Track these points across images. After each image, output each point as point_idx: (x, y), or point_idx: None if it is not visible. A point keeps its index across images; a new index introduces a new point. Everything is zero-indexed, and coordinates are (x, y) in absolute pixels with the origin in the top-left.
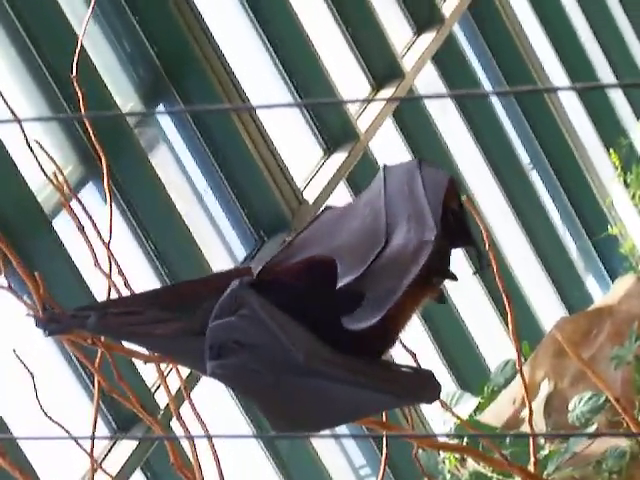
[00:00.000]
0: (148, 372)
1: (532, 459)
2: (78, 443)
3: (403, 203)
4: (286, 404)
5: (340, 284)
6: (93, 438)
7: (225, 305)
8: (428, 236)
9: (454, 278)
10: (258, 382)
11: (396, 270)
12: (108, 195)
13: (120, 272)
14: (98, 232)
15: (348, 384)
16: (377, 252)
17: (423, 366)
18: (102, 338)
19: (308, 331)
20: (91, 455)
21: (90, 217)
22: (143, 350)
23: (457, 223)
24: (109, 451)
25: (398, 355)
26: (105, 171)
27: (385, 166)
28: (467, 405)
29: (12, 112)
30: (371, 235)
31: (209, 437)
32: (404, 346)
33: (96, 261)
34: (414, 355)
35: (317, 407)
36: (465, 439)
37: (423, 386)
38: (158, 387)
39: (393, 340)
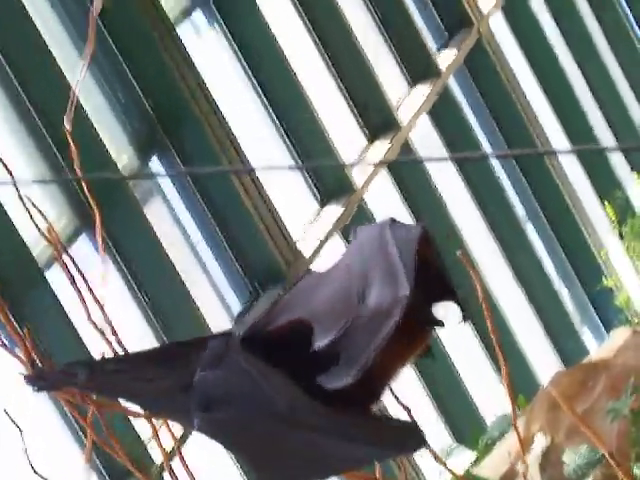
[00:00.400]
0: (143, 427)
1: None
2: None
3: (376, 263)
4: (272, 457)
5: (316, 346)
6: None
7: (211, 357)
8: (402, 292)
9: (440, 324)
10: (244, 435)
11: (370, 329)
12: (101, 247)
13: (113, 329)
14: (89, 287)
15: (331, 435)
16: (352, 314)
17: (418, 419)
18: (92, 395)
19: (291, 382)
20: None
21: (81, 272)
22: (133, 406)
23: (437, 275)
24: None
25: (392, 409)
26: (98, 222)
27: (356, 228)
28: (462, 458)
29: (9, 172)
30: (345, 298)
31: None
32: (398, 400)
33: (89, 316)
34: (408, 409)
35: (303, 460)
36: None
37: (407, 437)
38: (151, 441)
39: (379, 395)
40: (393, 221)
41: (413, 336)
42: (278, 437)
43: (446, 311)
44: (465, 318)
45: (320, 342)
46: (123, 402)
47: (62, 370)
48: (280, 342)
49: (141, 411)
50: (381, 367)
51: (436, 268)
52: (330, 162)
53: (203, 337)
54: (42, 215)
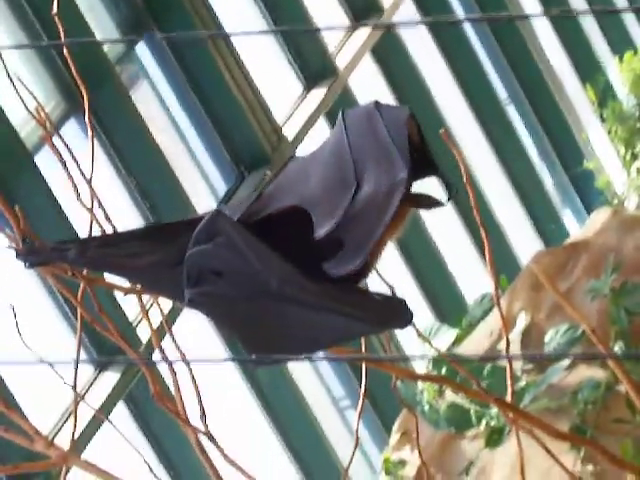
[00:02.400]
0: (131, 308)
1: (509, 388)
2: (56, 371)
3: (368, 146)
4: (261, 331)
5: (317, 234)
6: (77, 366)
7: (202, 233)
8: (400, 176)
9: (438, 204)
10: (233, 309)
11: (372, 213)
12: (89, 128)
13: (101, 206)
14: (79, 167)
15: (320, 310)
16: (350, 198)
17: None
18: (83, 271)
19: (282, 258)
20: (74, 386)
21: (71, 152)
22: (124, 282)
23: (421, 155)
24: (92, 383)
25: (376, 287)
26: (86, 104)
27: (343, 111)
28: (445, 337)
29: None
30: (341, 182)
31: (187, 363)
32: (382, 279)
33: (78, 196)
34: (392, 288)
35: (292, 334)
36: (443, 370)
37: (395, 312)
38: (140, 321)
39: (369, 271)
40: (378, 104)
41: (399, 214)
42: (267, 311)
43: (431, 191)
44: (450, 196)
45: (319, 228)
46: (114, 277)
47: (53, 246)
48: (273, 229)
49: (131, 286)
50: (374, 248)
51: (420, 147)
52: (311, 28)
53: (194, 217)
54: (31, 95)
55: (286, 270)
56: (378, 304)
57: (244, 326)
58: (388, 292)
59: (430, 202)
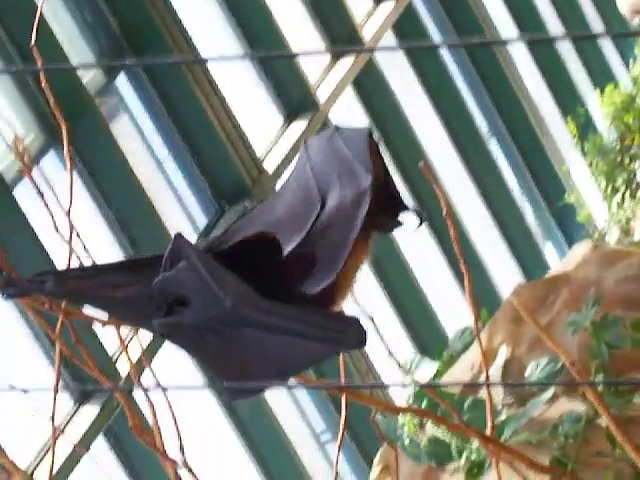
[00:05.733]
0: (110, 342)
1: (489, 422)
2: (34, 402)
3: (330, 165)
4: (230, 361)
5: (286, 252)
6: (55, 398)
7: (167, 260)
8: (364, 184)
9: (397, 224)
10: (200, 338)
11: (340, 225)
12: (68, 161)
13: (79, 238)
14: (57, 199)
15: (275, 330)
16: (316, 213)
17: (382, 329)
18: (61, 303)
19: (239, 279)
20: (52, 419)
21: (50, 185)
22: (102, 315)
23: (382, 183)
24: (71, 417)
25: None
26: (65, 136)
27: (305, 141)
28: (426, 370)
29: None
30: (305, 204)
31: (164, 390)
32: (362, 310)
33: (56, 228)
34: (371, 319)
35: (255, 360)
36: (424, 404)
37: (349, 331)
38: (120, 355)
39: (340, 299)
40: (337, 127)
41: (361, 244)
42: (234, 340)
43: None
44: (421, 221)
45: (287, 246)
46: (91, 309)
47: (30, 278)
48: (241, 257)
49: (109, 319)
50: (342, 269)
51: (382, 176)
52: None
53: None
54: (10, 127)
55: (240, 289)
56: (332, 323)
57: (214, 357)
58: (367, 323)
59: (391, 221)
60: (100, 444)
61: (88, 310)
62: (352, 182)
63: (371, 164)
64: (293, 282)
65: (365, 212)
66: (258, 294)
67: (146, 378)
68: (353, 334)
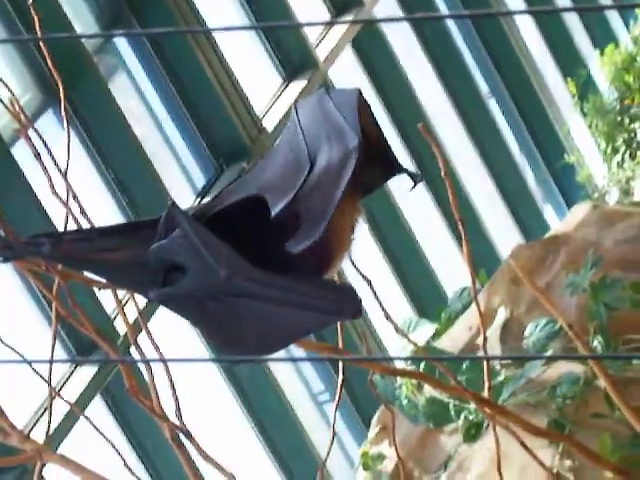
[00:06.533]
0: (108, 301)
1: (486, 385)
2: (33, 367)
3: (319, 127)
4: (223, 327)
5: (274, 213)
6: (51, 362)
7: (162, 228)
8: (351, 144)
9: (388, 177)
10: (196, 306)
11: (326, 185)
12: (65, 119)
13: (76, 199)
14: (54, 160)
15: (270, 300)
16: (305, 175)
17: (379, 293)
18: (57, 265)
19: (232, 249)
20: (49, 381)
21: (46, 145)
22: (99, 278)
23: (380, 150)
24: (68, 377)
25: (353, 282)
26: (62, 95)
27: (296, 103)
28: (424, 331)
29: None
30: (295, 166)
31: (163, 361)
32: (360, 273)
33: (53, 189)
34: (369, 282)
35: (250, 329)
36: (422, 365)
37: (344, 300)
38: (117, 315)
39: (335, 261)
40: (328, 88)
41: (351, 203)
42: (226, 306)
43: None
44: (415, 183)
45: (275, 207)
46: (87, 273)
47: (27, 240)
48: (235, 220)
49: (106, 283)
50: (333, 232)
51: (374, 136)
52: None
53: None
54: (5, 85)
55: (234, 260)
56: (327, 292)
57: (207, 323)
58: (364, 286)
59: (382, 176)
60: (97, 404)
61: (85, 273)
62: (340, 143)
63: (359, 125)
64: (283, 243)
65: (351, 172)
66: (252, 265)
67: (144, 339)
68: (348, 304)
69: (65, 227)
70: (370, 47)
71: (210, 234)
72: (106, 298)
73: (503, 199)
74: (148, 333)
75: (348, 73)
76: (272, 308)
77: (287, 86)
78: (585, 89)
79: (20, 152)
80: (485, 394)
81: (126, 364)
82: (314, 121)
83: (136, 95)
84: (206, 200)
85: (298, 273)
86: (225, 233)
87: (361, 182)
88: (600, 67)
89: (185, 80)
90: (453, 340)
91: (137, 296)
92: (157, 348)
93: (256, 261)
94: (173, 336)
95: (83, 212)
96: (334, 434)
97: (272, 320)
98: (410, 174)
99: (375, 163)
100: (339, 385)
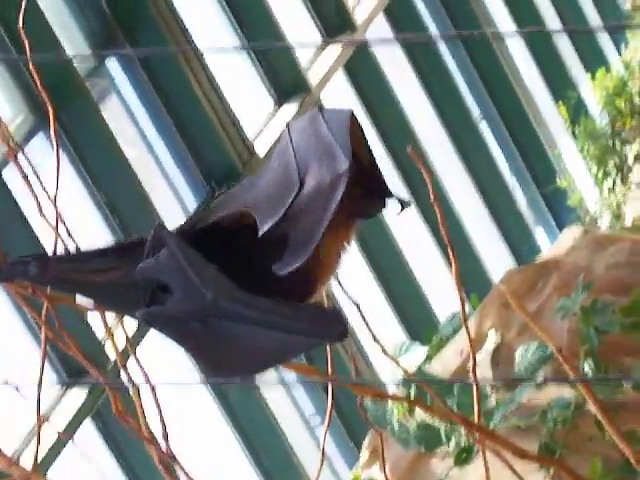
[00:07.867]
0: (99, 325)
1: (476, 409)
2: (21, 394)
3: (311, 147)
4: (209, 349)
5: (261, 231)
6: (40, 385)
7: (148, 248)
8: (342, 167)
9: (381, 207)
10: (182, 327)
11: (315, 207)
12: (55, 143)
13: (63, 222)
14: (42, 184)
15: (255, 322)
16: (293, 194)
17: (371, 315)
18: (45, 288)
19: (218, 271)
20: (37, 406)
21: (34, 169)
22: (88, 301)
23: (366, 168)
24: (58, 401)
25: (343, 305)
26: (52, 118)
27: (288, 122)
28: (416, 354)
29: None
30: (285, 184)
31: (151, 385)
32: (347, 296)
33: (41, 212)
34: (357, 306)
35: (236, 351)
36: (413, 389)
37: (330, 322)
38: (106, 340)
39: (319, 286)
40: (321, 108)
41: (343, 229)
42: (214, 327)
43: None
44: (402, 208)
45: (263, 226)
46: (76, 296)
47: (15, 262)
48: (221, 235)
49: (94, 305)
50: (320, 256)
51: (365, 158)
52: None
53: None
54: None
55: (220, 283)
56: (312, 315)
57: (198, 345)
58: (355, 310)
59: (374, 205)
60: (88, 429)
61: (74, 295)
62: (331, 164)
63: (350, 147)
64: (270, 263)
65: (341, 195)
66: (237, 286)
67: (133, 365)
68: (334, 326)
69: (54, 252)
70: (362, 70)
71: (197, 254)
72: (96, 322)
73: (494, 221)
74: (136, 359)
75: (340, 97)
76: (258, 330)
77: (279, 109)
78: (576, 112)
79: (11, 175)
80: (475, 418)
81: (113, 387)
82: (306, 140)
83: (128, 118)
84: (195, 212)
85: (284, 294)
86: (212, 248)
87: (351, 206)
88: (591, 91)
89: (177, 103)
90: (444, 364)
91: (126, 321)
92: (143, 371)
93: (241, 280)
94: (166, 357)
95: (70, 235)
96: (323, 456)
97: (258, 342)
98: (399, 200)
99: (365, 186)
100: (329, 408)
